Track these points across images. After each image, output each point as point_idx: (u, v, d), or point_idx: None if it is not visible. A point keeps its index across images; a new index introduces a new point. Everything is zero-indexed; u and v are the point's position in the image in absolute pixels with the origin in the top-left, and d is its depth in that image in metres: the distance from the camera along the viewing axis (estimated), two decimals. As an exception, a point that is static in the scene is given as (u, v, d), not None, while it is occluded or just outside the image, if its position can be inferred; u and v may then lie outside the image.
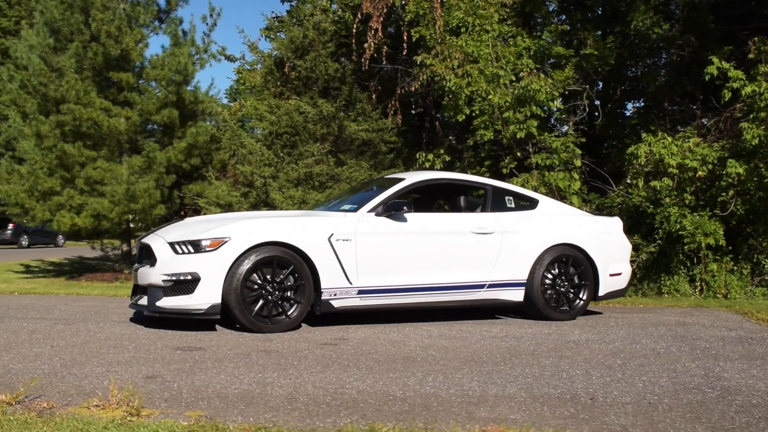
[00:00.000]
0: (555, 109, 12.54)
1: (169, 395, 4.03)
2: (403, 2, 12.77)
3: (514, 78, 11.75)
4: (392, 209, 6.75)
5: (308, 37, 14.65)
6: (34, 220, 15.21)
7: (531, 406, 3.85)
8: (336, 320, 7.00)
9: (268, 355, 5.23)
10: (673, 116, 13.47)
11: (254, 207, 12.94)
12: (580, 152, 11.80)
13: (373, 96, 14.03)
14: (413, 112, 14.35)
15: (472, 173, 12.78)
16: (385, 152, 14.44)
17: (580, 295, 7.38)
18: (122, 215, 14.28)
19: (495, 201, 7.39)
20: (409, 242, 6.79)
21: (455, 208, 7.63)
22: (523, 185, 11.32)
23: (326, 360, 5.05)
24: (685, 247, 10.05)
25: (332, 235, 6.48)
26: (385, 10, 12.63)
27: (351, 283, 6.53)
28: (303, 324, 6.75)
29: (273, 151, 14.13)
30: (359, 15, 12.99)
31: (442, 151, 12.77)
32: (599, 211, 11.46)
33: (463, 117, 11.83)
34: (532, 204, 7.61)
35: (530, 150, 12.23)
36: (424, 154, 12.69)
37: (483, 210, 7.39)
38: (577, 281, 7.38)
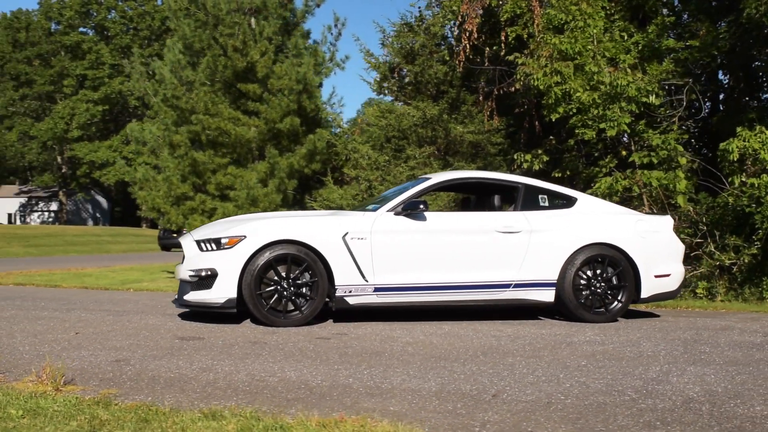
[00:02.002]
0: (658, 105, 11.94)
1: (113, 375, 4.41)
2: (501, 2, 12.69)
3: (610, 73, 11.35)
4: (409, 208, 6.84)
5: (418, 41, 14.88)
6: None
7: (424, 400, 3.86)
8: (362, 317, 7.18)
9: (251, 346, 5.52)
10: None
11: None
12: (682, 149, 11.20)
13: (480, 98, 14.03)
14: (515, 112, 14.17)
15: (571, 174, 12.49)
16: (494, 153, 14.39)
17: (619, 297, 7.08)
18: (246, 219, 15.21)
19: (527, 199, 7.26)
20: (428, 241, 6.84)
21: (487, 206, 7.56)
22: (611, 186, 10.95)
23: (297, 352, 5.26)
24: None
25: (347, 233, 6.67)
26: (480, 11, 12.61)
27: (367, 281, 6.69)
28: (327, 319, 6.99)
29: (383, 154, 14.47)
30: (459, 17, 13.07)
31: (540, 152, 12.55)
32: (708, 212, 10.83)
33: (557, 116, 11.57)
34: (568, 202, 7.39)
35: (632, 148, 11.79)
36: (522, 155, 12.53)
37: (514, 209, 7.28)
38: (615, 282, 7.09)
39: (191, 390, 4.07)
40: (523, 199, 7.25)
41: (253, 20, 16.68)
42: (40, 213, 74.95)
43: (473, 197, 8.21)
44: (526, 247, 6.97)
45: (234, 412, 3.52)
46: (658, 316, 7.81)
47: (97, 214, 76.39)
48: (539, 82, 11.14)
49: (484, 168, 14.03)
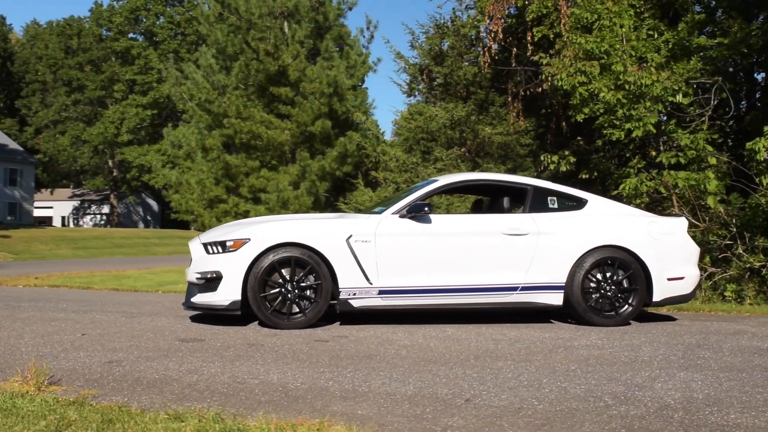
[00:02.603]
0: (689, 104, 11.70)
1: (100, 376, 4.49)
2: (527, 2, 12.58)
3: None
4: (414, 211, 6.82)
5: (447, 43, 14.84)
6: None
7: (395, 404, 3.84)
8: (369, 320, 7.19)
9: (248, 348, 5.56)
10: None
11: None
12: (711, 149, 10.95)
13: (509, 99, 13.93)
14: (542, 113, 14.02)
15: (599, 175, 12.32)
16: (524, 155, 14.28)
17: (630, 301, 6.95)
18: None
19: (535, 201, 7.17)
20: (433, 243, 6.81)
21: (498, 209, 7.49)
22: (636, 187, 10.77)
23: (290, 355, 5.28)
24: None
25: (351, 236, 6.68)
26: (506, 12, 12.52)
27: (371, 283, 6.68)
28: (335, 321, 7.02)
29: (412, 156, 14.46)
30: (486, 19, 12.99)
31: (567, 153, 12.39)
32: (739, 213, 10.58)
33: (583, 116, 11.42)
34: (578, 204, 7.27)
35: (661, 149, 11.59)
36: (549, 156, 12.38)
37: (522, 211, 7.20)
38: (626, 285, 6.96)
39: (170, 391, 4.11)
40: (532, 201, 7.17)
41: (285, 24, 16.83)
42: (92, 216, 76.70)
43: (486, 200, 8.15)
44: (533, 249, 6.89)
45: (198, 413, 3.55)
46: (674, 319, 7.65)
47: (148, 217, 77.85)
48: (563, 82, 11.00)
49: (513, 170, 13.92)
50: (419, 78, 15.42)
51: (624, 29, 11.67)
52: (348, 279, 6.66)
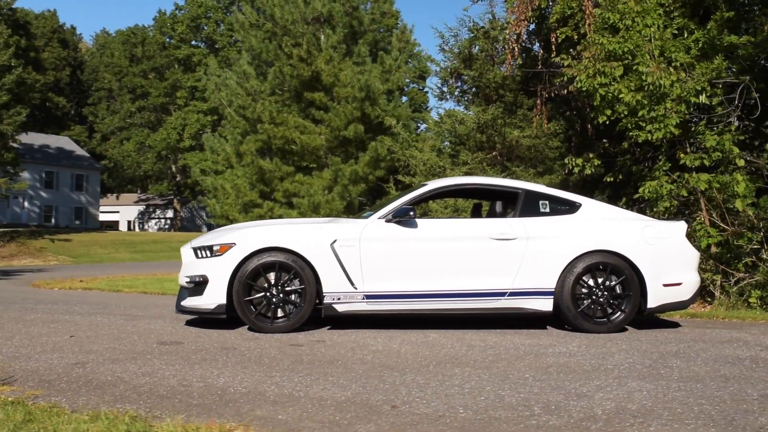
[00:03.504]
0: (716, 105, 11.35)
1: (56, 377, 4.61)
2: (550, 3, 12.41)
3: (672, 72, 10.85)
4: (399, 215, 6.80)
5: (477, 45, 14.75)
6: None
7: (320, 410, 3.84)
8: (360, 324, 7.20)
9: (219, 351, 5.63)
10: None
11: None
12: (738, 150, 10.61)
13: (538, 102, 13.76)
14: (567, 115, 13.79)
15: (622, 179, 12.08)
16: (553, 158, 14.09)
17: (623, 307, 6.79)
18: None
19: (526, 206, 7.06)
20: (418, 248, 6.78)
21: (489, 213, 7.40)
22: (656, 190, 10.51)
23: (254, 359, 5.32)
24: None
25: (335, 241, 6.70)
26: (529, 14, 12.37)
27: (356, 288, 6.69)
28: (327, 325, 7.05)
29: (441, 160, 14.41)
30: (510, 20, 12.87)
31: (592, 156, 12.16)
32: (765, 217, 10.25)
33: (605, 118, 11.19)
34: (571, 208, 7.13)
35: (687, 150, 11.29)
36: (573, 159, 12.18)
37: (513, 215, 7.10)
38: (619, 291, 6.80)
39: (112, 393, 4.19)
40: (523, 205, 7.07)
41: (319, 29, 16.98)
42: (156, 220, 78.55)
43: (486, 204, 8.07)
44: (522, 254, 6.79)
45: (116, 414, 3.61)
46: (678, 325, 7.45)
47: (212, 221, 79.29)
48: (582, 84, 10.81)
49: (543, 174, 13.74)
50: (449, 81, 15.35)
51: (652, 28, 11.40)
52: (333, 283, 6.68)
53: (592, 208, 7.18)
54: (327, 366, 5.05)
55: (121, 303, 9.73)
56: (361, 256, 6.70)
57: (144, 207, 78.91)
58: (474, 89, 14.80)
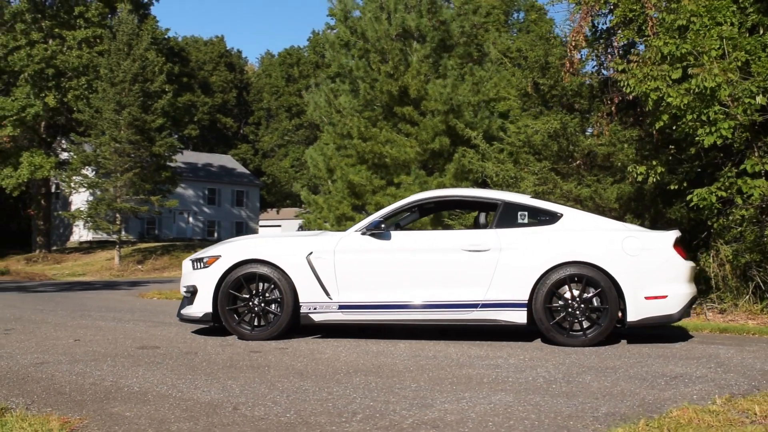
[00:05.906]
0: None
1: (6, 376, 5.21)
2: (611, 6, 12.08)
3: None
4: (373, 228, 7.00)
5: (552, 54, 14.57)
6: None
7: (172, 409, 4.15)
8: (342, 333, 7.45)
9: (182, 356, 6.05)
10: None
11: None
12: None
13: (613, 109, 13.40)
14: (631, 121, 13.25)
15: (683, 187, 11.56)
16: (626, 165, 13.63)
17: (599, 320, 6.61)
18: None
19: (503, 217, 7.04)
20: (391, 259, 6.94)
21: (474, 224, 7.42)
22: (705, 197, 10.02)
23: (204, 364, 5.68)
24: None
25: (311, 253, 7.01)
26: (589, 19, 12.10)
27: (331, 298, 6.96)
28: (316, 333, 7.36)
29: (516, 170, 14.34)
30: (573, 22, 12.66)
31: (655, 163, 11.67)
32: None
33: (661, 124, 10.76)
34: (551, 219, 7.02)
35: (756, 154, 10.66)
36: (636, 167, 11.75)
37: (489, 226, 7.10)
38: (596, 304, 6.63)
39: (38, 393, 4.62)
40: (500, 217, 7.05)
41: (407, 44, 17.32)
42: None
43: (482, 215, 8.04)
44: (494, 265, 6.79)
45: (20, 414, 4.05)
46: (671, 341, 7.12)
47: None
48: (631, 89, 10.47)
49: (619, 182, 13.32)
50: (525, 90, 15.19)
51: (725, 27, 10.84)
52: (308, 294, 6.98)
53: (573, 218, 7.03)
54: (244, 371, 5.35)
55: (163, 311, 10.41)
56: (336, 267, 6.96)
57: (303, 221, 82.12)
58: (549, 97, 14.59)
